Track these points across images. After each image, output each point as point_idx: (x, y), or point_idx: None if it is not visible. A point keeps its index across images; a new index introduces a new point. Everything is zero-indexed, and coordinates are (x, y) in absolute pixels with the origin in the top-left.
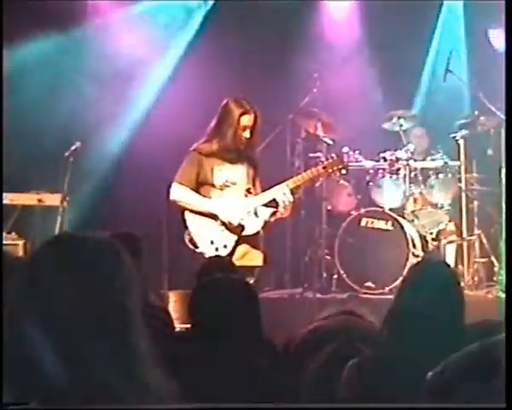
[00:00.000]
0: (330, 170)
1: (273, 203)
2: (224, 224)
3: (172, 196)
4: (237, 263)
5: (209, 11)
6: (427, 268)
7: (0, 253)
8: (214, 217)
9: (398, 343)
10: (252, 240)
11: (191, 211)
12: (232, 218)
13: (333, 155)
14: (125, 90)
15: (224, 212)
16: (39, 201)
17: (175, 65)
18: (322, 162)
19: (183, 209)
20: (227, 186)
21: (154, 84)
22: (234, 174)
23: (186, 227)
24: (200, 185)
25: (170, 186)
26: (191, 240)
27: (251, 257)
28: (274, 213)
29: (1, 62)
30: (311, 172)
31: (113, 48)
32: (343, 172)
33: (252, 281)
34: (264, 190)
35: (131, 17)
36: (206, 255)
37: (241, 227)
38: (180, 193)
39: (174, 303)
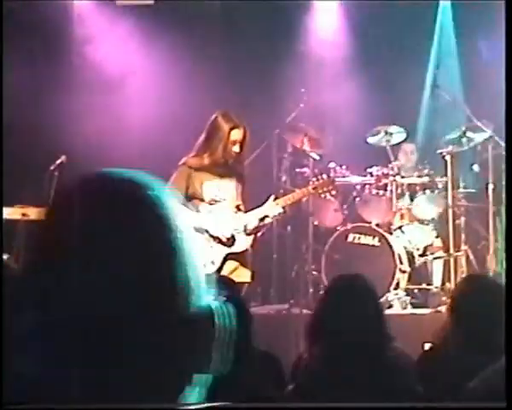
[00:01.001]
0: (320, 191)
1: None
2: (212, 239)
3: None
4: None
5: (197, 26)
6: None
7: (0, 254)
8: (202, 232)
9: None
10: (240, 257)
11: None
12: (221, 234)
13: (323, 175)
14: (112, 103)
15: (214, 227)
16: (23, 215)
17: (162, 78)
18: (309, 178)
19: None
20: (216, 201)
21: (141, 97)
22: (223, 190)
23: None
24: (189, 199)
25: None
26: None
27: (239, 273)
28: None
29: (1, 65)
30: (301, 192)
31: (99, 59)
32: (332, 192)
33: None
34: (252, 206)
35: (118, 28)
36: None
37: (230, 243)
38: None
39: None
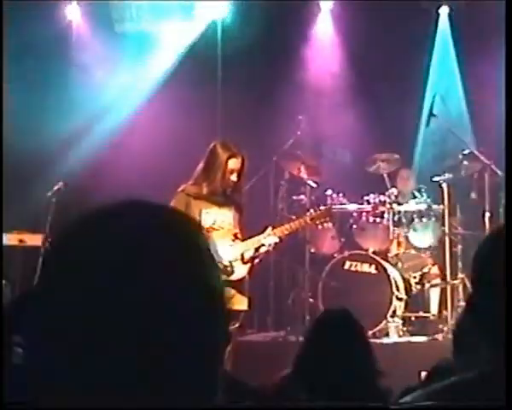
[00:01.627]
0: (317, 222)
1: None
2: None
3: None
4: None
5: (196, 54)
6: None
7: (0, 255)
8: None
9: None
10: (237, 284)
11: None
12: (221, 261)
13: (321, 206)
14: (108, 128)
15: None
16: (20, 241)
17: (161, 105)
18: (306, 206)
19: None
20: (214, 229)
21: (139, 123)
22: (221, 218)
23: None
24: None
25: None
26: None
27: (236, 301)
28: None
29: (1, 66)
30: (298, 222)
31: (97, 85)
32: (329, 223)
33: (236, 325)
34: (249, 234)
35: (116, 54)
36: None
37: (229, 272)
38: None
39: None
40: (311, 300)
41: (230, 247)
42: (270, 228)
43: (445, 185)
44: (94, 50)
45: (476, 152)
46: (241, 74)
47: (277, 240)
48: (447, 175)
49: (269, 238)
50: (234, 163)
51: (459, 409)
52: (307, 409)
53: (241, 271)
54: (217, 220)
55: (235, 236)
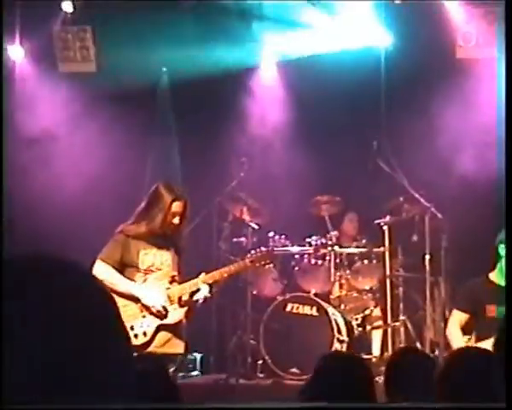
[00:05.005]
0: (257, 264)
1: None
2: (145, 310)
3: (94, 273)
4: (158, 351)
5: (140, 98)
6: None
7: (0, 256)
8: (136, 301)
9: None
10: (173, 328)
11: (113, 292)
12: (153, 304)
13: (262, 248)
14: (50, 166)
15: (147, 297)
16: None
17: (103, 145)
18: (247, 248)
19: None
20: (152, 271)
21: (81, 162)
22: (160, 259)
23: None
24: (125, 267)
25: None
26: None
27: (172, 345)
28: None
29: (1, 67)
30: (238, 264)
31: (38, 123)
32: (270, 265)
33: (172, 369)
34: (190, 274)
35: (59, 92)
36: None
37: (163, 315)
38: (103, 271)
39: None
40: (252, 342)
41: (167, 290)
42: (203, 274)
43: (386, 228)
44: (37, 90)
45: (417, 195)
46: (187, 115)
47: (208, 294)
48: (388, 218)
49: (199, 293)
50: (177, 206)
51: (460, 409)
52: (307, 409)
53: (177, 314)
54: (155, 262)
55: (173, 278)
